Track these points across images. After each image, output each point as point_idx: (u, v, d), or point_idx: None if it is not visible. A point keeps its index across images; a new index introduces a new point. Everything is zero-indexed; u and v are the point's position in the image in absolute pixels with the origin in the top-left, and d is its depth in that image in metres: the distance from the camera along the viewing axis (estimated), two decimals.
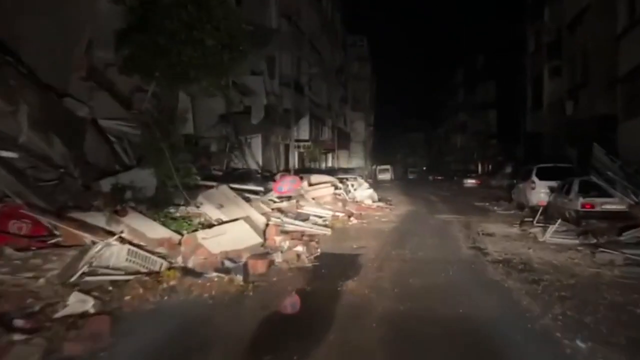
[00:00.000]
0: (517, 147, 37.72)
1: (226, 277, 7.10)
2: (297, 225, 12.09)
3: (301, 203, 15.50)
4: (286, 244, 9.70)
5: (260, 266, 7.99)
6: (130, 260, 7.37)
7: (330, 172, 29.93)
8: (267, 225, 10.63)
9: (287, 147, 27.47)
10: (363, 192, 20.24)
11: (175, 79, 9.23)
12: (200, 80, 9.62)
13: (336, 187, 19.79)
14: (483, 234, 12.92)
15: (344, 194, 19.14)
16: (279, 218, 12.03)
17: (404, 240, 11.86)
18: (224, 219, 10.27)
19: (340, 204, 17.32)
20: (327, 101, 35.38)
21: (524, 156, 33.68)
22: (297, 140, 27.55)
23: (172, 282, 6.84)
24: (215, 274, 7.18)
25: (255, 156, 23.11)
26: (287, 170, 25.78)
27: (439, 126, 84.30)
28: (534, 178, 18.20)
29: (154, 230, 8.32)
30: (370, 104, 57.56)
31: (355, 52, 49.34)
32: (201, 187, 11.29)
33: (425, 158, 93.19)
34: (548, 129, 28.96)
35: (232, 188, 11.88)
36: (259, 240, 9.28)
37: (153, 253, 7.83)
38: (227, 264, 8.25)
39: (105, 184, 9.02)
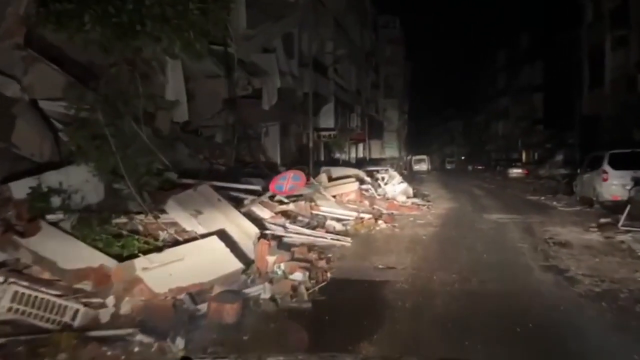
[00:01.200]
0: (568, 133, 33.71)
1: (155, 345, 4.26)
2: (304, 234, 9.22)
3: (318, 203, 12.65)
4: (281, 269, 6.83)
5: (227, 313, 5.15)
6: (17, 310, 4.67)
7: (358, 164, 26.97)
8: (259, 238, 7.77)
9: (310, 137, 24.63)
10: (395, 187, 17.19)
11: (116, 33, 6.45)
12: (156, 36, 6.83)
13: (362, 182, 16.83)
14: (554, 243, 9.74)
15: (372, 190, 16.14)
16: (281, 226, 9.19)
17: (448, 254, 8.83)
18: (202, 230, 7.51)
19: (367, 202, 14.34)
20: (356, 86, 32.29)
21: (578, 142, 29.77)
22: (320, 130, 24.64)
23: (61, 357, 4.06)
24: (139, 337, 4.36)
25: (271, 148, 20.40)
26: (303, 165, 22.98)
27: (478, 113, 79.74)
28: (606, 167, 14.73)
29: (75, 257, 5.59)
30: (404, 90, 54.00)
31: (387, 35, 45.88)
32: (176, 188, 8.55)
33: (464, 147, 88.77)
34: (610, 111, 25.07)
35: (219, 188, 9.10)
36: (238, 265, 6.44)
37: (66, 295, 5.11)
38: (187, 304, 5.49)
39: (19, 188, 6.35)
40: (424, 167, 57.12)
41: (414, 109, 68.76)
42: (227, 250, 6.38)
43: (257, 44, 16.61)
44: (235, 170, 13.44)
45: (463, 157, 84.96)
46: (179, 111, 12.75)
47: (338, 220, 11.63)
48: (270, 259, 7.09)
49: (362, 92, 34.05)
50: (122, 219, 7.01)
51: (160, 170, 8.14)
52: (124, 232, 6.55)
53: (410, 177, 43.70)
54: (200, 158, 13.68)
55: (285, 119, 20.18)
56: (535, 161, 42.67)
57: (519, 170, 38.64)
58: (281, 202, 11.05)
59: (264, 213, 9.75)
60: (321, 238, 9.41)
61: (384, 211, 14.27)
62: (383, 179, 18.79)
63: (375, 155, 46.26)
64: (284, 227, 9.15)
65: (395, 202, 16.18)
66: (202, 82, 14.94)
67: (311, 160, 16.56)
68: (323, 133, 25.10)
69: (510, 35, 54.17)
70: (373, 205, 14.49)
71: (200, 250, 6.22)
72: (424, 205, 16.55)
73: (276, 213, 10.03)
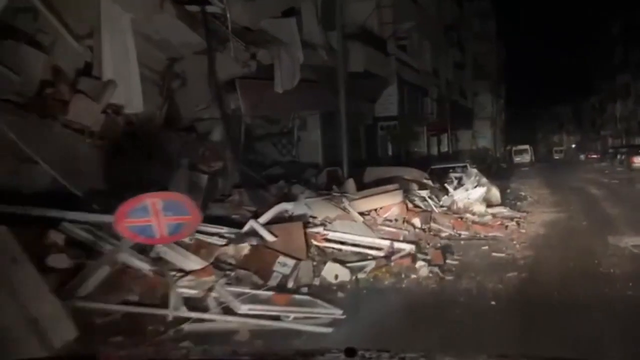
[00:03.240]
0: None
1: None
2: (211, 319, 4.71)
3: (332, 226, 8.12)
4: None
5: None
6: None
7: (437, 159, 21.72)
8: None
9: (369, 129, 19.88)
10: (469, 192, 11.95)
11: None
12: None
13: (422, 188, 11.93)
14: None
15: (432, 200, 11.12)
16: None
17: None
18: None
19: (417, 220, 9.45)
20: (432, 66, 26.92)
21: None
22: (379, 119, 19.80)
23: None
24: None
25: (310, 145, 16.10)
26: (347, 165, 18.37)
27: (590, 94, 69.50)
28: None
29: None
30: (499, 71, 46.98)
31: (473, 7, 39.56)
32: None
33: (574, 134, 78.42)
34: None
35: None
36: None
37: None
38: None
39: None
40: (526, 158, 49.64)
41: (512, 92, 60.69)
42: None
43: (268, 4, 12.29)
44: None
45: (574, 146, 75.14)
46: (129, 99, 8.84)
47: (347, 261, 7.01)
48: None
49: (440, 72, 28.52)
50: None
51: None
52: None
53: (508, 171, 37.25)
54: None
55: (326, 106, 15.66)
56: None
57: None
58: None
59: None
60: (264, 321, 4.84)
61: (443, 234, 9.34)
62: (452, 181, 13.65)
63: (466, 146, 40.18)
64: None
65: (466, 216, 11.09)
66: (190, 60, 10.98)
67: (345, 157, 11.89)
68: (383, 124, 20.25)
69: None
70: (428, 224, 9.59)
71: None
72: (512, 219, 11.22)
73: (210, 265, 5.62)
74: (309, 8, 14.03)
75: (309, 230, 7.68)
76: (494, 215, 11.64)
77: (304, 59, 13.81)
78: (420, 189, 11.96)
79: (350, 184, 10.07)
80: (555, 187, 20.79)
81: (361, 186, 11.00)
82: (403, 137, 19.24)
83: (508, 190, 20.24)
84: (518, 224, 10.72)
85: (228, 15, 10.72)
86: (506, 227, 10.20)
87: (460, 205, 11.76)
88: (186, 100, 11.23)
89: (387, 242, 7.81)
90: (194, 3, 10.14)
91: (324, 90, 15.47)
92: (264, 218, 7.24)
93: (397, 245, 7.76)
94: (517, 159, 49.09)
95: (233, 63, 10.90)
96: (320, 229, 7.88)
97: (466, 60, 38.52)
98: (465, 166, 16.18)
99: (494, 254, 7.90)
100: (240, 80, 10.96)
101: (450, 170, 16.27)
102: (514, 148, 50.95)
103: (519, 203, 15.22)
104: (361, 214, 9.36)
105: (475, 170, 15.48)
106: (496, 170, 38.30)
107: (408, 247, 7.73)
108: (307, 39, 13.94)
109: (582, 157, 56.81)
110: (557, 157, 64.31)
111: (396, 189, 9.66)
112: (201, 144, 11.01)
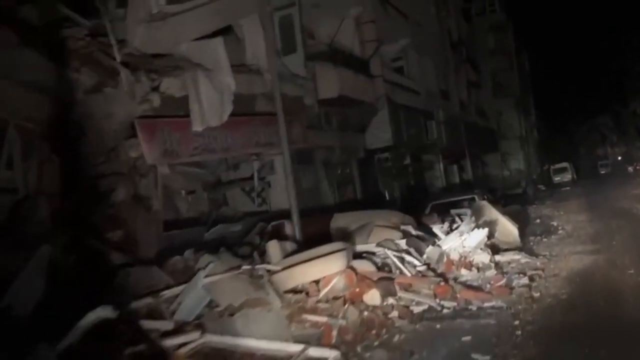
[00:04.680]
0: None
1: None
2: None
3: (235, 319, 5.24)
4: None
5: None
6: None
7: (436, 195, 18.49)
8: None
9: (362, 163, 16.93)
10: (464, 238, 8.71)
11: None
12: None
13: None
14: None
15: (409, 256, 7.98)
16: None
17: None
18: None
19: (373, 296, 6.37)
20: (439, 87, 23.95)
21: None
22: (375, 151, 16.82)
23: None
24: None
25: (279, 190, 13.32)
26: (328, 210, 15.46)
27: (628, 101, 64.43)
28: None
29: None
30: (524, 85, 43.37)
31: (486, 21, 36.63)
32: None
33: (618, 145, 72.89)
34: None
35: None
36: None
37: None
38: None
39: None
40: (566, 177, 45.45)
41: (545, 107, 56.48)
42: None
43: (188, 24, 9.80)
44: None
45: (620, 158, 69.75)
46: None
47: None
48: None
49: (450, 93, 25.48)
50: None
51: None
52: None
53: (546, 194, 33.28)
54: None
55: (293, 143, 12.89)
56: None
57: None
58: None
59: None
60: None
61: (418, 308, 6.25)
62: (452, 220, 10.48)
63: (495, 171, 36.54)
64: None
65: (461, 272, 7.92)
66: (84, 103, 8.55)
67: (293, 204, 8.87)
68: (380, 155, 17.29)
69: None
70: (392, 295, 6.50)
71: None
72: (524, 274, 7.92)
73: None
74: (253, 27, 11.49)
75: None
76: (501, 268, 8.41)
77: (257, 88, 11.29)
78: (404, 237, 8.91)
79: (274, 248, 7.11)
80: (597, 211, 17.20)
81: (316, 243, 8.06)
82: (397, 169, 16.13)
83: (538, 220, 16.80)
84: (532, 279, 7.45)
85: (113, 41, 8.25)
86: (511, 290, 6.95)
87: (455, 256, 8.58)
88: (86, 152, 8.75)
89: (298, 348, 4.82)
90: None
91: (290, 124, 12.79)
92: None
93: (313, 353, 4.76)
94: (557, 179, 44.94)
95: (128, 100, 8.36)
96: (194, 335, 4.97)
97: (483, 79, 35.37)
98: (473, 198, 12.96)
99: (475, 356, 4.72)
100: (140, 121, 8.36)
101: (461, 204, 13.17)
102: (552, 167, 46.83)
103: (545, 239, 11.85)
104: (293, 291, 6.45)
105: (484, 203, 12.27)
106: (533, 193, 34.53)
107: (331, 356, 4.70)
108: (255, 63, 11.36)
109: (630, 169, 51.85)
110: (603, 172, 59.44)
111: (340, 250, 6.65)
112: (97, 208, 8.40)
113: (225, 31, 10.68)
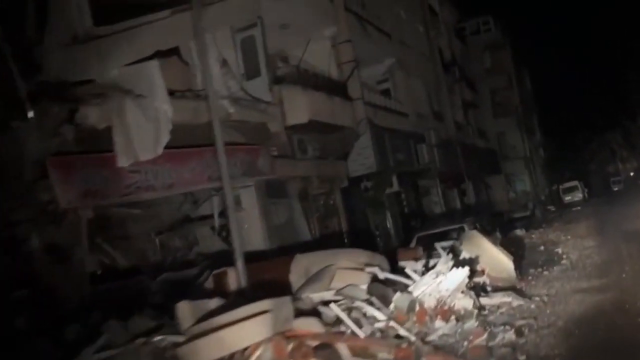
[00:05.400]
0: None
1: None
2: None
3: None
4: None
5: None
6: None
7: (432, 222, 17.00)
8: None
9: (346, 193, 15.54)
10: (440, 281, 7.26)
11: None
12: None
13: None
14: None
15: (370, 308, 6.55)
16: None
17: None
18: None
19: None
20: (431, 108, 22.71)
21: None
22: (360, 179, 15.47)
23: None
24: None
25: (252, 227, 12.03)
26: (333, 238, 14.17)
27: (638, 115, 62.77)
28: None
29: None
30: (526, 104, 42.02)
31: (481, 40, 35.57)
32: None
33: (630, 160, 70.91)
34: None
35: None
36: None
37: None
38: None
39: None
40: (577, 196, 43.81)
41: (551, 124, 54.78)
42: None
43: (120, 48, 8.67)
44: None
45: (632, 174, 67.85)
46: None
47: None
48: None
49: (444, 114, 24.21)
50: None
51: None
52: None
53: (555, 215, 31.56)
54: None
55: (259, 174, 11.64)
56: None
57: None
58: None
59: None
60: None
61: None
62: (433, 256, 9.03)
63: (500, 194, 34.90)
64: None
65: (428, 327, 6.46)
66: None
67: (237, 248, 7.42)
68: (366, 184, 15.91)
69: None
70: None
71: None
72: (511, 325, 6.45)
73: None
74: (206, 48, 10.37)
75: None
76: (485, 317, 6.94)
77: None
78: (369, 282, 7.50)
79: (184, 310, 5.71)
80: (607, 234, 15.65)
81: (267, 293, 6.68)
82: (379, 198, 14.68)
83: (541, 247, 15.24)
84: (520, 333, 5.97)
85: (13, 68, 7.11)
86: (490, 351, 5.48)
87: (431, 303, 7.13)
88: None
89: None
90: None
91: (253, 154, 11.59)
92: None
93: None
94: (567, 198, 43.27)
95: (37, 135, 7.17)
96: None
97: (481, 98, 34.15)
98: (462, 227, 11.50)
99: None
100: (51, 160, 7.14)
101: (450, 235, 11.72)
102: (561, 187, 45.14)
103: (546, 272, 10.34)
104: None
105: (474, 233, 10.82)
106: (542, 215, 32.82)
107: None
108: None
109: None
110: (615, 188, 57.63)
111: (264, 312, 5.25)
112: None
113: (169, 53, 9.58)
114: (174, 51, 9.67)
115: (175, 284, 8.45)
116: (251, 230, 11.87)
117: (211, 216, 11.64)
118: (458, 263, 7.93)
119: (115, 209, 8.59)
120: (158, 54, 9.08)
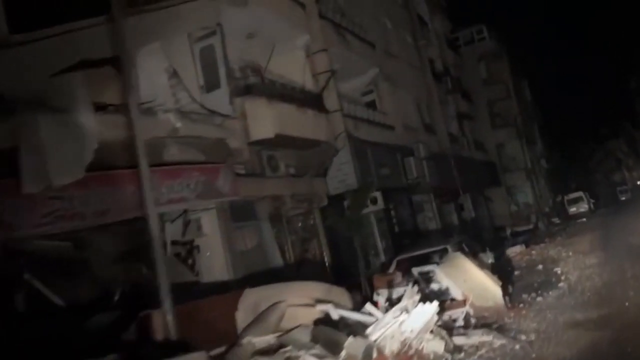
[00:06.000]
0: None
1: None
2: None
3: None
4: None
5: None
6: None
7: (426, 240, 15.82)
8: None
9: (327, 213, 14.31)
10: (402, 320, 6.05)
11: None
12: None
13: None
14: None
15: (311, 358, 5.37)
16: None
17: None
18: None
19: None
20: (421, 120, 21.62)
21: None
22: (341, 197, 14.30)
23: None
24: None
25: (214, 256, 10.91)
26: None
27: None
28: None
29: None
30: (526, 114, 40.84)
31: (475, 50, 34.65)
32: None
33: (636, 168, 69.48)
34: None
35: None
36: None
37: None
38: None
39: None
40: (583, 207, 42.28)
41: (551, 135, 53.48)
42: None
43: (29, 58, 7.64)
44: None
45: (639, 182, 66.45)
46: None
47: None
48: None
49: (436, 126, 23.10)
50: None
51: None
52: None
53: (559, 228, 30.17)
54: None
55: (218, 195, 10.50)
56: None
57: None
58: None
59: None
60: None
61: None
62: (410, 283, 7.82)
63: (502, 208, 33.63)
64: None
65: None
66: None
67: (163, 286, 6.20)
68: (349, 202, 14.70)
69: None
70: None
71: None
72: None
73: None
74: (152, 57, 9.36)
75: None
76: None
77: (155, 131, 9.02)
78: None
79: None
80: (611, 249, 14.37)
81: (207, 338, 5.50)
82: (357, 216, 13.41)
83: (540, 266, 13.98)
84: None
85: None
86: None
87: (394, 347, 5.92)
88: None
89: None
90: None
91: (211, 173, 10.47)
92: None
93: None
94: (572, 210, 41.79)
95: None
96: None
97: (478, 110, 33.06)
98: (445, 249, 10.28)
99: None
100: None
101: (432, 258, 10.54)
102: (566, 198, 43.68)
103: (539, 298, 9.09)
104: None
105: (457, 256, 9.63)
106: (546, 227, 31.44)
107: None
108: (151, 101, 9.14)
109: None
110: (623, 198, 56.20)
111: None
112: None
113: (102, 63, 8.53)
114: (109, 61, 8.63)
115: (104, 327, 7.29)
116: (213, 258, 10.74)
117: (175, 242, 10.56)
118: (432, 295, 6.73)
119: (36, 241, 7.46)
120: (88, 64, 8.04)
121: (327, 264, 13.99)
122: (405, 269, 10.25)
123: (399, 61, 20.82)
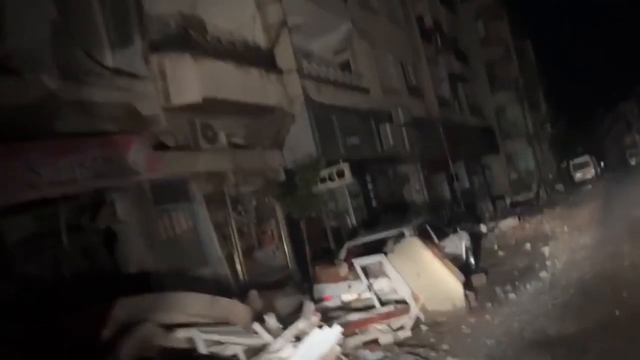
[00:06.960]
0: None
1: None
2: None
3: None
4: None
5: None
6: None
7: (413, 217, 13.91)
8: None
9: (284, 188, 12.44)
10: (287, 355, 4.33)
11: None
12: None
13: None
14: None
15: None
16: None
17: None
18: None
19: None
20: (406, 82, 19.46)
21: None
22: (292, 172, 12.38)
23: None
24: None
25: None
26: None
27: None
28: None
29: None
30: (528, 77, 38.31)
31: (470, 8, 32.02)
32: None
33: None
34: None
35: None
36: None
37: None
38: None
39: None
40: (588, 173, 40.07)
41: (557, 99, 50.71)
42: None
43: None
44: None
45: None
46: None
47: None
48: None
49: (424, 89, 20.99)
50: None
51: None
52: None
53: (561, 196, 28.21)
54: None
55: (137, 171, 8.70)
56: None
57: None
58: None
59: None
60: None
61: None
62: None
63: (501, 176, 31.68)
64: None
65: None
66: None
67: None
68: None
69: None
70: None
71: None
72: None
73: None
74: (20, 8, 7.42)
75: None
76: None
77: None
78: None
79: None
80: (611, 224, 12.51)
81: None
82: (305, 196, 11.41)
83: (527, 246, 12.13)
84: None
85: None
86: None
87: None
88: None
89: None
90: None
91: (117, 147, 8.67)
92: None
93: None
94: (578, 176, 39.61)
95: None
96: None
97: (475, 71, 30.71)
98: (402, 234, 8.43)
99: None
100: None
101: (388, 243, 8.67)
102: (572, 163, 41.41)
103: (513, 294, 7.29)
104: None
105: (413, 242, 7.80)
106: (550, 194, 29.54)
107: None
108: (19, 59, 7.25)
109: None
110: (633, 162, 53.88)
111: None
112: None
113: None
114: None
115: None
116: (131, 248, 9.00)
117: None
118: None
119: None
120: None
121: (285, 249, 12.26)
122: (356, 257, 8.47)
123: (378, 16, 18.61)
